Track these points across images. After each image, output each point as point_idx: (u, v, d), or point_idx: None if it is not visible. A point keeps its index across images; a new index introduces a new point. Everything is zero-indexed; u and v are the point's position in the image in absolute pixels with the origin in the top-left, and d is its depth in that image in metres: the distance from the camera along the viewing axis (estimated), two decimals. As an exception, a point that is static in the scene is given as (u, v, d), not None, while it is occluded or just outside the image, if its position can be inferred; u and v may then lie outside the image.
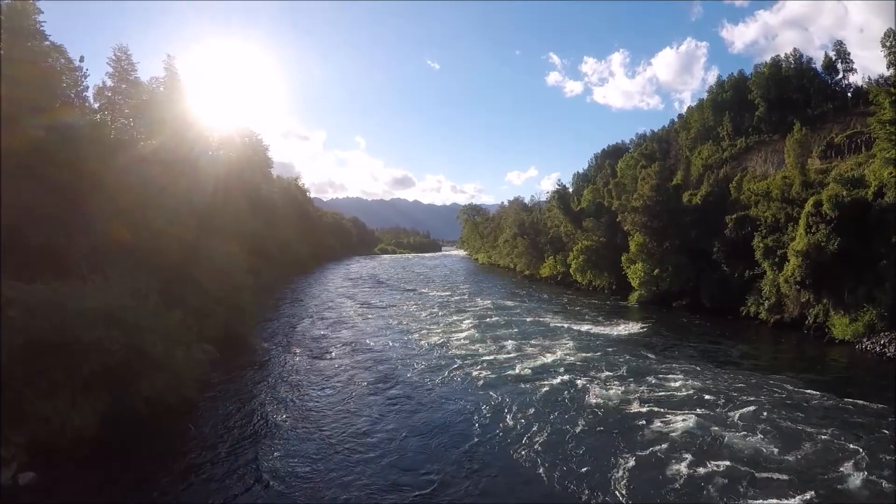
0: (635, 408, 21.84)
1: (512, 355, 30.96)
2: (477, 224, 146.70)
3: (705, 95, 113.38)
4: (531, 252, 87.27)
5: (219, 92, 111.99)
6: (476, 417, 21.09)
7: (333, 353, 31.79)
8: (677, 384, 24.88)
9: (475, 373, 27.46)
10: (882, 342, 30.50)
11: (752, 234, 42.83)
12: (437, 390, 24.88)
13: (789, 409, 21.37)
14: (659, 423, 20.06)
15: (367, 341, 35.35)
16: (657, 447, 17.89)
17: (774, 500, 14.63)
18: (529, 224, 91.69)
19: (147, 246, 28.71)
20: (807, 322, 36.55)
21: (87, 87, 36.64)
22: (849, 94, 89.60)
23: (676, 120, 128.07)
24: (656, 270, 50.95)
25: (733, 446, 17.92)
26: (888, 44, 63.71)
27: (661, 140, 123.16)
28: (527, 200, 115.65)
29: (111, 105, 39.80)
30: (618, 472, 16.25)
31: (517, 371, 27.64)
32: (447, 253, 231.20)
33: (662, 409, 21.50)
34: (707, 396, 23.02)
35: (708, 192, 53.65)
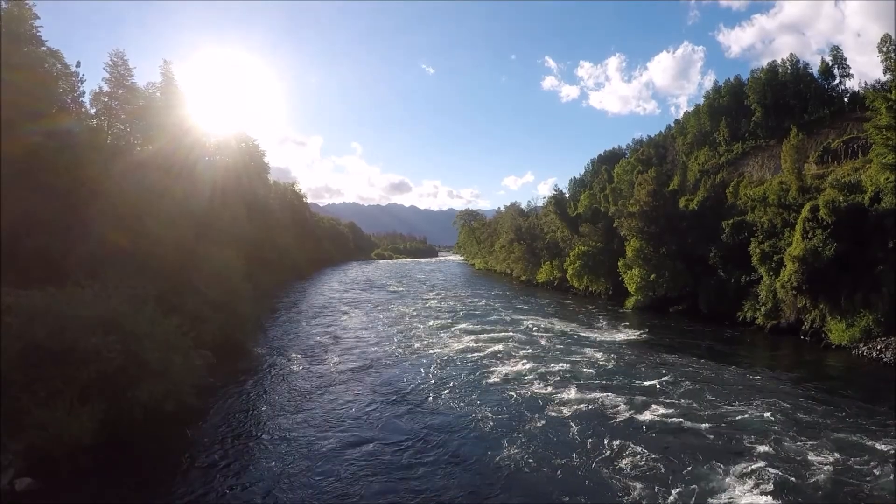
0: (629, 411, 21.76)
1: (504, 359, 31.06)
2: (473, 229, 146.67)
3: (702, 100, 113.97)
4: (528, 257, 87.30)
5: (216, 97, 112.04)
6: (467, 419, 21.07)
7: (330, 358, 31.70)
8: (671, 389, 24.87)
9: (468, 376, 27.54)
10: (879, 347, 30.54)
11: (749, 239, 42.93)
12: (431, 393, 24.95)
13: (787, 411, 21.36)
14: (653, 426, 20.05)
15: (364, 346, 35.31)
16: (653, 449, 17.87)
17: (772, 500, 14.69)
18: (526, 229, 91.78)
19: (144, 251, 28.63)
20: (803, 327, 36.54)
21: (84, 93, 36.65)
22: (845, 100, 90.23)
23: (673, 125, 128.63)
24: (653, 276, 50.96)
25: (729, 447, 17.92)
26: (885, 49, 64.13)
27: (658, 145, 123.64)
28: (523, 206, 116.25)
29: (108, 110, 39.71)
30: (604, 474, 16.23)
31: (511, 375, 27.58)
32: (444, 258, 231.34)
33: (656, 412, 21.48)
34: (700, 400, 23.00)
35: (704, 197, 53.87)
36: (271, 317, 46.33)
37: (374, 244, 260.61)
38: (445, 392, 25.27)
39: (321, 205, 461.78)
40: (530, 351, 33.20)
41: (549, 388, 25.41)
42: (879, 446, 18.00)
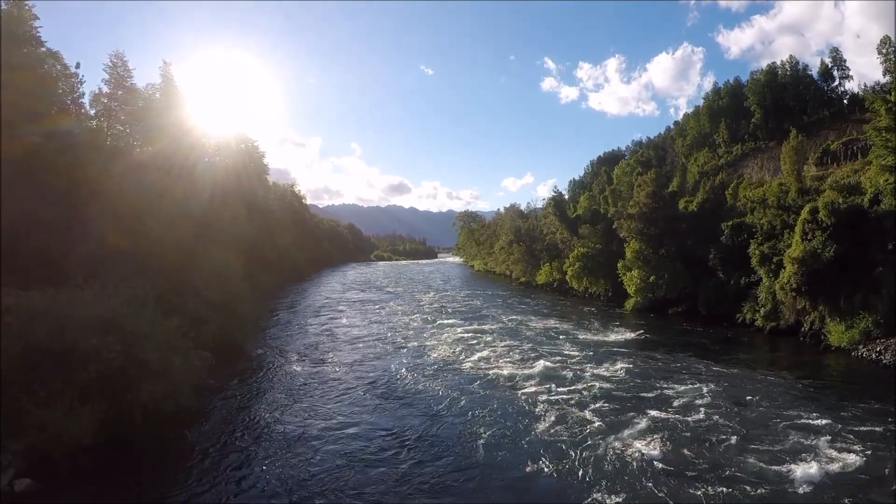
0: (626, 413, 21.78)
1: (495, 358, 31.30)
2: (473, 231, 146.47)
3: (701, 102, 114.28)
4: (527, 259, 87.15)
5: (215, 98, 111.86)
6: (465, 422, 21.06)
7: (328, 358, 31.76)
8: (669, 389, 24.84)
9: (466, 378, 27.57)
10: (878, 349, 30.52)
11: (749, 240, 42.89)
12: (424, 389, 25.37)
13: (784, 411, 21.36)
14: (650, 427, 20.05)
15: (361, 346, 35.43)
16: (650, 449, 17.89)
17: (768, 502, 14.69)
18: (525, 231, 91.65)
19: (144, 252, 28.62)
20: (803, 329, 36.53)
21: (84, 94, 36.60)
22: (845, 101, 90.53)
23: (672, 127, 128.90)
24: (652, 277, 50.90)
25: (729, 449, 17.93)
26: (885, 50, 64.37)
27: (658, 147, 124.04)
28: (523, 207, 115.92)
29: (107, 111, 39.65)
30: (597, 475, 16.24)
31: (501, 372, 27.82)
32: (443, 260, 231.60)
33: (654, 413, 21.49)
34: (697, 400, 22.98)
35: (704, 199, 53.88)
36: (271, 317, 46.33)
37: (374, 245, 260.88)
38: (437, 387, 25.73)
39: (321, 206, 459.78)
40: (522, 350, 33.33)
41: (536, 384, 25.91)
42: (879, 447, 18.01)
